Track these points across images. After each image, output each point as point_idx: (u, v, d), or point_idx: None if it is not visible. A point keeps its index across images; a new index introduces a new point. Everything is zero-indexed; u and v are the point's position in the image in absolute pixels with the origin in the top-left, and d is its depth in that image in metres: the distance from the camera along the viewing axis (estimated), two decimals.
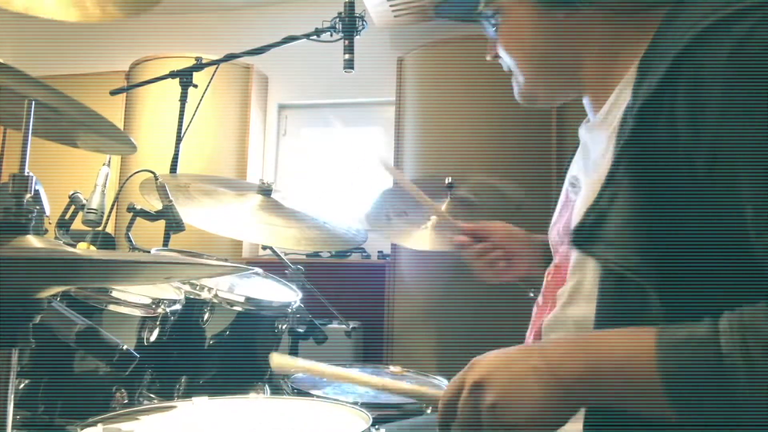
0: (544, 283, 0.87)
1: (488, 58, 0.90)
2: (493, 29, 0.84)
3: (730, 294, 0.57)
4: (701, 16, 0.60)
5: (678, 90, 0.59)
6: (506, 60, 0.85)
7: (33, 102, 0.71)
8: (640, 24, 0.71)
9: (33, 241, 0.70)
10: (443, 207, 2.00)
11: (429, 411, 1.38)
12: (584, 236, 0.67)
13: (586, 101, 0.83)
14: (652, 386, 0.57)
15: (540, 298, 0.87)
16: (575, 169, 0.84)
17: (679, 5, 0.67)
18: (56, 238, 1.48)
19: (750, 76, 0.56)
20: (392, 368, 1.73)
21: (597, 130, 0.77)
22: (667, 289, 0.61)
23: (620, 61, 0.73)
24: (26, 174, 0.70)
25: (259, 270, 1.73)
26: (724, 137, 0.57)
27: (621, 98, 0.71)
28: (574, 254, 0.77)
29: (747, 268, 0.57)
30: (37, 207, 0.72)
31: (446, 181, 2.10)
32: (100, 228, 1.55)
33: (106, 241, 1.61)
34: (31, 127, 0.71)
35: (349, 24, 1.97)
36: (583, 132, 0.84)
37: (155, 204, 1.62)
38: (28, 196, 0.70)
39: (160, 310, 1.30)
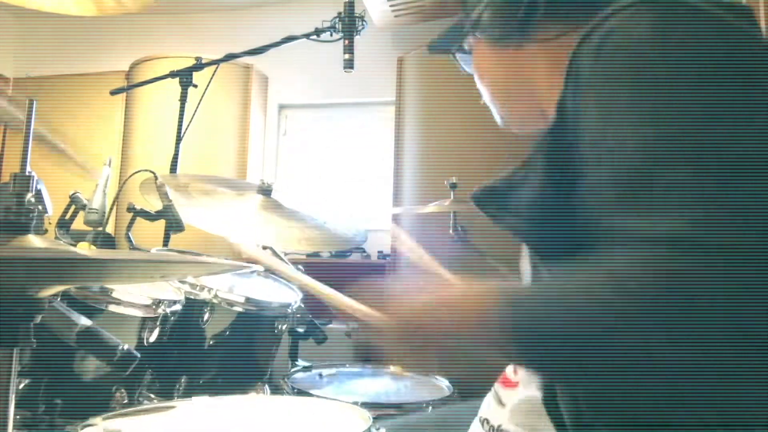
0: None
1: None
2: (470, 65, 0.94)
3: None
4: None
5: (568, 86, 0.64)
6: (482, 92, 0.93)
7: (34, 102, 0.71)
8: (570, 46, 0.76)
9: (34, 240, 0.70)
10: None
11: (429, 410, 1.38)
12: (487, 200, 0.72)
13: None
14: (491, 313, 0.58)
15: None
16: None
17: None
18: (56, 238, 1.48)
19: (608, 69, 0.60)
20: (392, 368, 1.72)
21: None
22: (550, 258, 0.65)
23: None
24: (28, 173, 0.70)
25: (260, 267, 1.72)
26: (590, 125, 0.60)
27: None
28: None
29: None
30: (39, 207, 0.71)
31: (447, 183, 2.11)
32: (100, 228, 1.55)
33: (107, 241, 1.61)
34: (32, 126, 0.70)
35: (349, 24, 1.97)
36: None
37: (155, 204, 1.62)
38: (29, 195, 0.69)
39: (160, 311, 1.30)
